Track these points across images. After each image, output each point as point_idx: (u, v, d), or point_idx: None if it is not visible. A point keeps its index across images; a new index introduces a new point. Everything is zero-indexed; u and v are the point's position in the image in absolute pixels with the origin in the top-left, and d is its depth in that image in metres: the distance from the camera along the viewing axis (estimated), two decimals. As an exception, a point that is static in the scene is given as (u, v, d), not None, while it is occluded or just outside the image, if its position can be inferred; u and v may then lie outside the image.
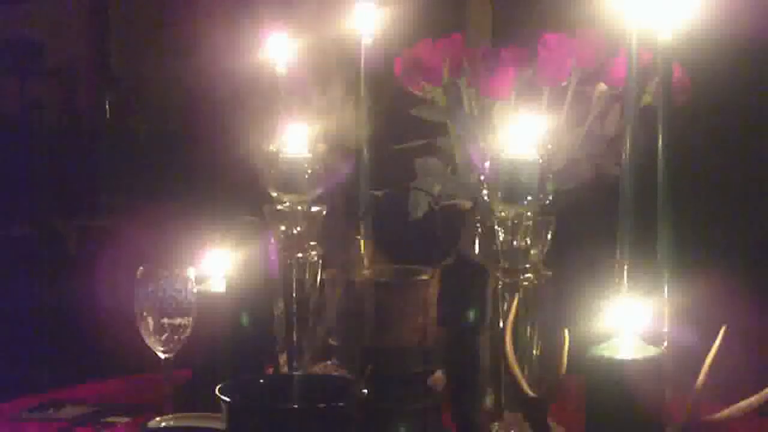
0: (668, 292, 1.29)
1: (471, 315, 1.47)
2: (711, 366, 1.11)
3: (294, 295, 1.72)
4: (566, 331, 1.16)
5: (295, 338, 1.73)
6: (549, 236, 1.43)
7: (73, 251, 4.44)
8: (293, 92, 1.89)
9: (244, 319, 1.71)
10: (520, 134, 1.40)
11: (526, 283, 1.42)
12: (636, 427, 1.09)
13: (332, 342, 1.59)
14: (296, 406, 1.31)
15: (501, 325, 1.42)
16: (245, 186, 1.90)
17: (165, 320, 1.62)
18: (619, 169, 1.40)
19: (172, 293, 1.62)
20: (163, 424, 1.53)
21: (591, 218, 1.66)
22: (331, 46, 2.00)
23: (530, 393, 1.20)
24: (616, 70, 1.70)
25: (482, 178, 1.41)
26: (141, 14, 4.92)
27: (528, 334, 1.43)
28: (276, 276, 1.74)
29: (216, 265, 1.72)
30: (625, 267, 1.35)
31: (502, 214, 1.40)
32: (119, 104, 4.92)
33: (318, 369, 1.71)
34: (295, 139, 1.73)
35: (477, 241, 1.53)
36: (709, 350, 1.11)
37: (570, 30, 1.74)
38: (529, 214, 1.40)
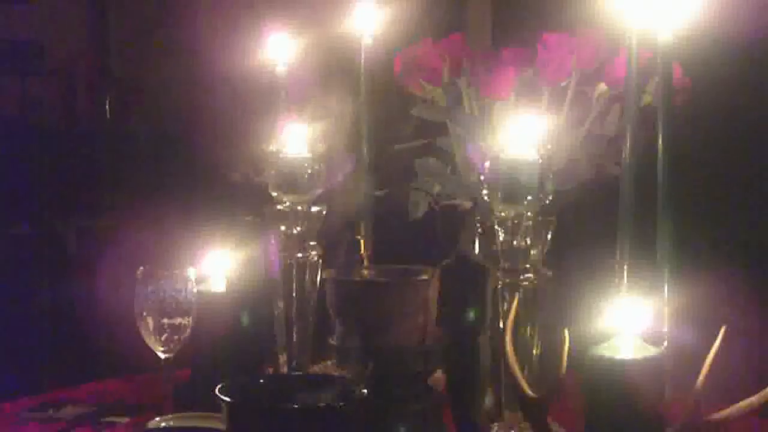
0: (668, 292, 1.29)
1: (471, 315, 1.47)
2: (711, 366, 1.10)
3: (294, 295, 1.72)
4: (566, 331, 1.16)
5: (295, 338, 1.73)
6: (549, 236, 1.43)
7: (73, 251, 4.44)
8: (293, 92, 1.89)
9: (244, 319, 1.71)
10: (520, 134, 1.40)
11: (526, 283, 1.42)
12: (636, 427, 1.09)
13: (332, 342, 1.59)
14: (296, 406, 1.31)
15: (501, 325, 1.42)
16: (245, 186, 1.90)
17: (165, 320, 1.62)
18: (619, 169, 1.40)
19: (172, 293, 1.62)
20: (163, 424, 1.53)
21: (591, 218, 1.66)
22: (331, 46, 2.00)
23: (530, 393, 1.20)
24: (616, 70, 1.70)
25: (482, 178, 1.41)
26: (141, 14, 4.91)
27: (528, 334, 1.43)
28: (276, 276, 1.74)
29: (216, 265, 1.72)
30: (625, 267, 1.35)
31: (502, 214, 1.40)
32: (119, 104, 4.92)
33: (318, 369, 1.71)
34: (295, 139, 1.73)
35: (477, 241, 1.52)
36: (709, 350, 1.11)
37: (570, 30, 1.74)
38: (529, 214, 1.40)
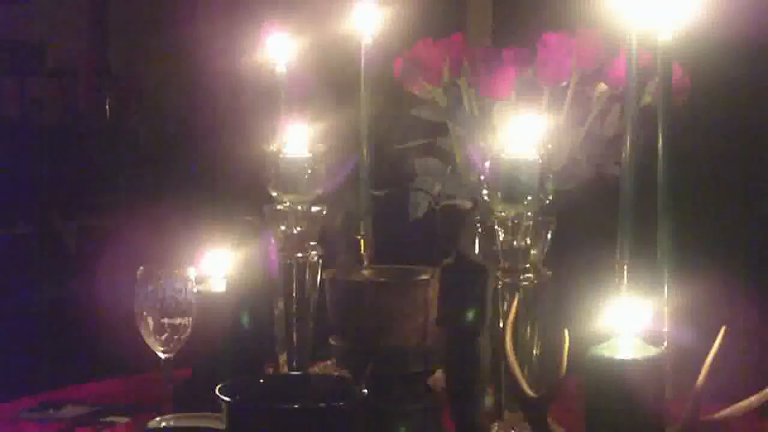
0: (668, 292, 1.29)
1: (471, 315, 1.47)
2: (711, 366, 1.10)
3: (294, 295, 1.72)
4: (566, 331, 1.16)
5: (295, 338, 1.73)
6: (549, 236, 1.43)
7: (73, 251, 4.44)
8: (293, 92, 1.89)
9: (244, 319, 1.71)
10: (520, 134, 1.40)
11: (526, 283, 1.42)
12: (636, 427, 1.09)
13: (332, 342, 1.59)
14: (296, 406, 1.31)
15: (501, 325, 1.42)
16: (245, 186, 1.90)
17: (165, 320, 1.62)
18: (619, 169, 1.40)
19: (172, 293, 1.62)
20: (163, 424, 1.53)
21: (591, 218, 1.66)
22: (331, 46, 2.00)
23: (530, 393, 1.20)
24: (616, 70, 1.70)
25: (482, 178, 1.41)
26: (141, 14, 4.92)
27: (528, 334, 1.43)
28: (276, 276, 1.74)
29: (216, 265, 1.72)
30: (625, 267, 1.35)
31: (502, 214, 1.40)
32: (119, 104, 4.92)
33: (318, 369, 1.71)
34: (295, 139, 1.73)
35: (477, 241, 1.52)
36: (709, 350, 1.11)
37: (570, 30, 1.74)
38: (529, 214, 1.40)
